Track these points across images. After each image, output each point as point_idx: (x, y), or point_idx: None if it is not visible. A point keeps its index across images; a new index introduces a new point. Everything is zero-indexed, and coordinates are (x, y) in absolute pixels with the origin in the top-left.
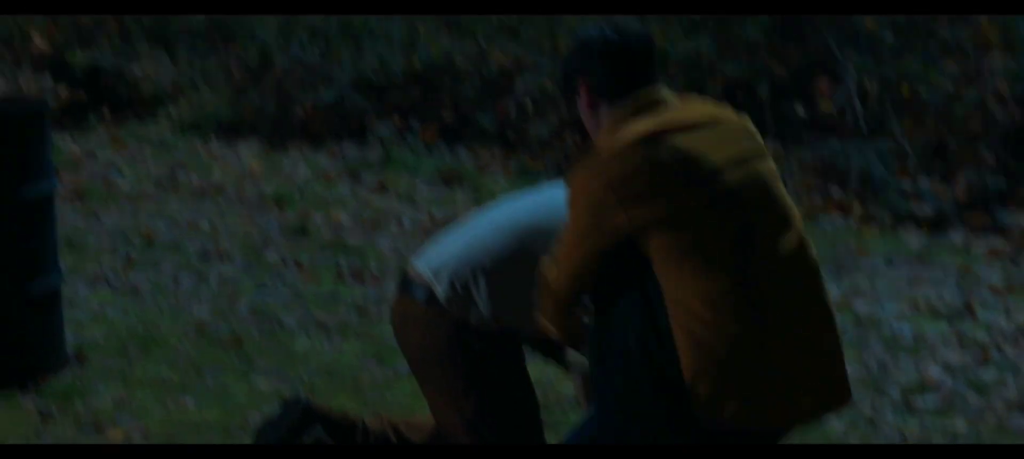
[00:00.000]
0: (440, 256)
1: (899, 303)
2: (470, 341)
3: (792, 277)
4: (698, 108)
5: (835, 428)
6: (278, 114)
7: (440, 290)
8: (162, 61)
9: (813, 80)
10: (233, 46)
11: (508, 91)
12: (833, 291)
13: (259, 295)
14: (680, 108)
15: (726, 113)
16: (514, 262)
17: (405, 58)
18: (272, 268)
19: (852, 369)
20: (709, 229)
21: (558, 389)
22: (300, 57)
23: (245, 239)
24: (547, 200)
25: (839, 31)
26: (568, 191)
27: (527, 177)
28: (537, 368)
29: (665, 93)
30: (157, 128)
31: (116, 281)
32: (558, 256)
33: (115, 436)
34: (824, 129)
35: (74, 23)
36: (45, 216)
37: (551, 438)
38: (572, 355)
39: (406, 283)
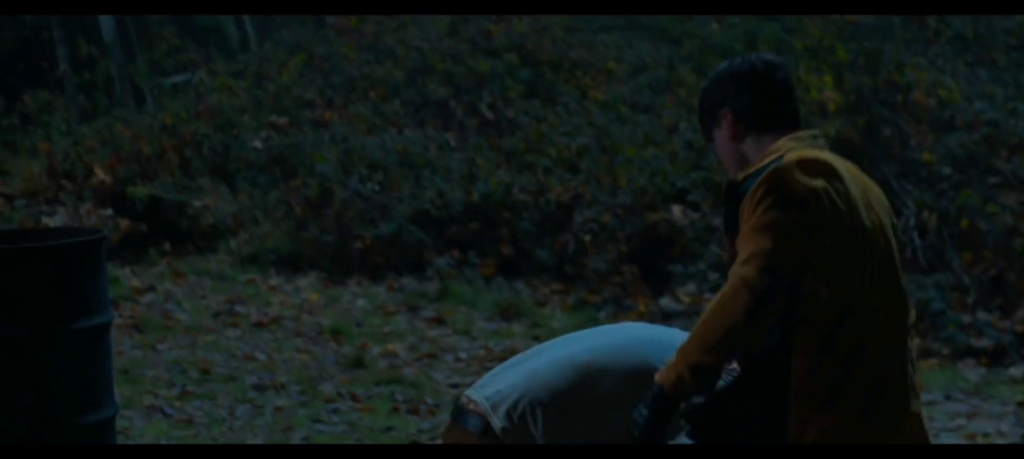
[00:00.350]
0: (497, 387)
1: (957, 437)
2: None
3: (895, 352)
4: (851, 165)
5: None
6: (337, 247)
7: (496, 421)
8: (223, 194)
9: None
10: (293, 180)
11: (567, 225)
12: None
13: (314, 427)
14: (836, 157)
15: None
16: (572, 397)
17: (464, 192)
18: (328, 400)
19: None
20: (846, 278)
21: None
22: (359, 190)
23: (301, 371)
24: (608, 340)
25: (897, 164)
26: (747, 205)
27: (584, 311)
28: None
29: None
30: (217, 261)
31: (172, 412)
32: (746, 253)
33: None
34: None
35: (137, 157)
36: (100, 348)
37: None
38: None
39: (460, 413)
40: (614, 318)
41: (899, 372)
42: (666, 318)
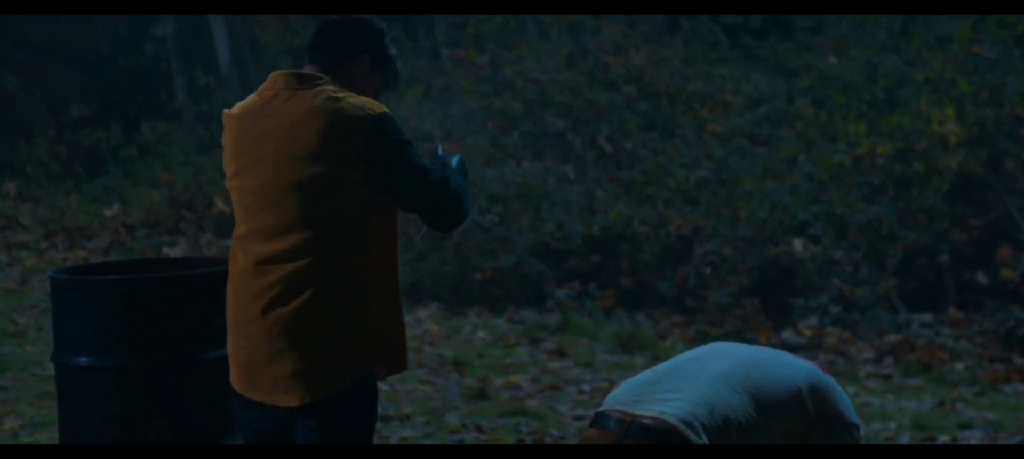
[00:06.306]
0: (678, 406)
1: None
2: None
3: (247, 287)
4: (272, 90)
5: None
6: (457, 279)
7: (696, 438)
8: None
9: (995, 247)
10: None
11: (687, 257)
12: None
13: None
14: (257, 99)
15: (298, 101)
16: (752, 410)
17: (583, 224)
18: (453, 431)
19: None
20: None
21: None
22: (480, 222)
23: (425, 403)
24: (750, 358)
25: (1021, 197)
26: None
27: (705, 344)
28: None
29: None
30: None
31: None
32: None
33: None
34: (1006, 297)
35: None
36: (226, 378)
37: None
38: None
39: (647, 432)
40: None
41: (248, 308)
42: (788, 351)
